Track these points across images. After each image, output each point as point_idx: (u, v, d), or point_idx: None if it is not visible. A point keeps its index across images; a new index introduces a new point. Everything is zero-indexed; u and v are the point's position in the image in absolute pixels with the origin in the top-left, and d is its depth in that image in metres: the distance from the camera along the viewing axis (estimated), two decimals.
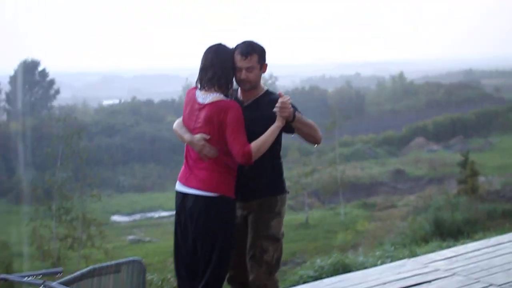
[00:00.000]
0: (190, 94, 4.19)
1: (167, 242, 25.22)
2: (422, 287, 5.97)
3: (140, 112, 61.43)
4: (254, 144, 3.98)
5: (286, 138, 4.37)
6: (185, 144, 4.18)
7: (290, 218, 36.47)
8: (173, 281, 7.49)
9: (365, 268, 7.34)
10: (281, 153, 4.25)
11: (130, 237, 32.10)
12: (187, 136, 4.11)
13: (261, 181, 4.27)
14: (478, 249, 7.25)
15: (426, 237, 11.24)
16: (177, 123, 4.28)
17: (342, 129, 52.03)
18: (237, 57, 4.10)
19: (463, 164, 24.48)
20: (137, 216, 37.68)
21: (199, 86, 4.14)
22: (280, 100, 4.03)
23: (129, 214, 39.16)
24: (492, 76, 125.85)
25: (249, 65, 4.10)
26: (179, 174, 4.23)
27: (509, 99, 76.41)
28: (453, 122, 57.03)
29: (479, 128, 56.83)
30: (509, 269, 6.34)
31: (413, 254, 7.88)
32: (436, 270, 6.49)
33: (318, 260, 7.54)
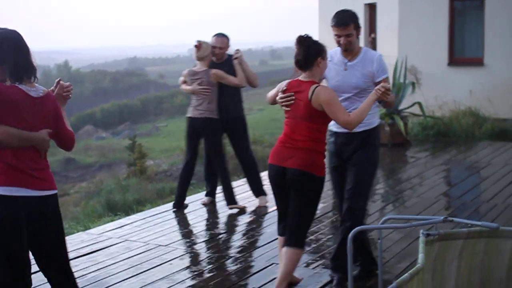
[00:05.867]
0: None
1: None
2: (98, 254, 6.45)
3: None
4: None
5: None
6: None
7: None
8: None
9: None
10: None
11: None
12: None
13: None
14: (144, 218, 7.90)
15: (100, 218, 11.69)
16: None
17: None
18: None
19: (131, 148, 25.27)
20: None
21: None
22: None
23: None
24: (156, 63, 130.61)
25: None
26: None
27: (172, 84, 79.96)
28: (121, 109, 58.02)
29: (145, 114, 58.58)
30: (171, 232, 7.22)
31: (86, 228, 8.30)
32: (109, 238, 7.01)
33: None
